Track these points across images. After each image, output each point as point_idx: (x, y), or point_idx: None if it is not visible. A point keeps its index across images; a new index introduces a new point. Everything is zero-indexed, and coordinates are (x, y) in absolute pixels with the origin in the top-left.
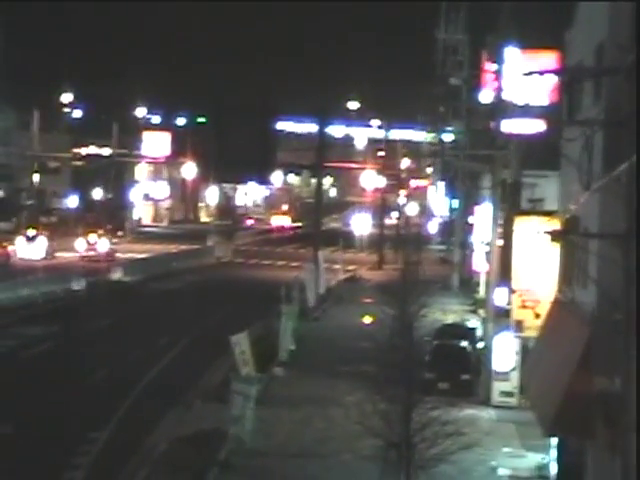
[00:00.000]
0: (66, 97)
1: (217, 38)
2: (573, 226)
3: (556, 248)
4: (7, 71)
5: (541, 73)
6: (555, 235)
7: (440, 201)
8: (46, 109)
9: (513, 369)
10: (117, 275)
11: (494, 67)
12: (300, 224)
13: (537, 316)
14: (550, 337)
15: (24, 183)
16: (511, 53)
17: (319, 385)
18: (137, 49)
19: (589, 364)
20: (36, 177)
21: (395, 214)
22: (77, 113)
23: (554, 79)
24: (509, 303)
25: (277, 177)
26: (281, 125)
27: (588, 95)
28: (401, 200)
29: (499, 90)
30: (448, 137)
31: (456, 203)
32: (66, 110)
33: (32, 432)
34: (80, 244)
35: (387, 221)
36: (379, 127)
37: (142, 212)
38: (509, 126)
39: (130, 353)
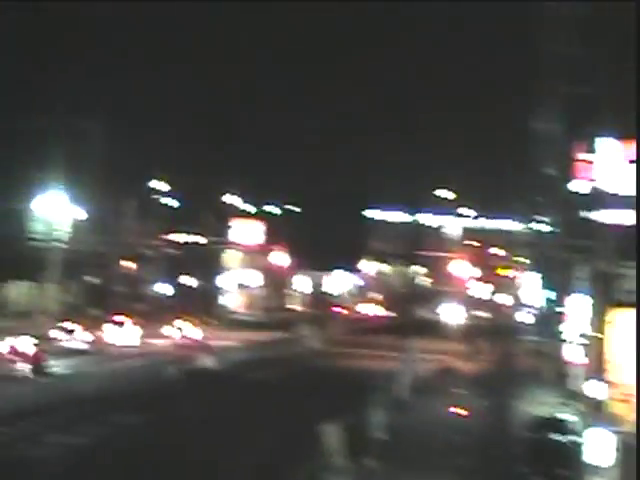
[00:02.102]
0: (160, 185)
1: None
2: None
3: None
4: (103, 159)
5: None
6: None
7: (534, 292)
8: (140, 197)
9: (612, 465)
10: (208, 363)
11: (589, 157)
12: (393, 313)
13: (635, 410)
14: None
15: (117, 270)
16: (607, 143)
17: (411, 478)
18: (228, 137)
19: None
20: (129, 264)
21: (489, 303)
22: (170, 201)
23: None
24: (606, 396)
25: (369, 265)
26: (373, 213)
27: None
28: (494, 291)
29: (595, 180)
30: (543, 227)
31: (550, 294)
32: (159, 198)
33: None
34: (171, 331)
35: (480, 312)
36: (473, 217)
37: (234, 299)
38: (605, 217)
39: (222, 445)
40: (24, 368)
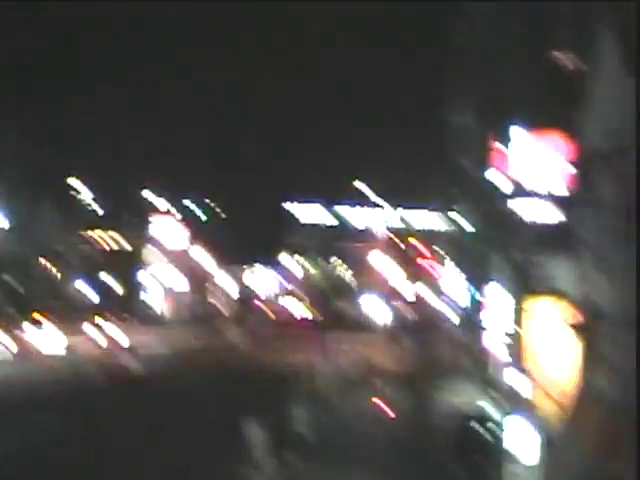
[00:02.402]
0: (79, 182)
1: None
2: (592, 313)
3: (572, 332)
4: (19, 158)
5: (552, 155)
6: (579, 328)
7: (453, 283)
8: (56, 193)
9: (530, 452)
10: (128, 363)
11: (502, 147)
12: (313, 308)
13: (552, 400)
14: (574, 428)
15: (34, 269)
16: (518, 133)
17: (333, 474)
18: (144, 130)
19: (616, 455)
20: (44, 262)
21: (407, 296)
22: (87, 197)
23: (565, 161)
24: (523, 386)
25: (288, 259)
26: (291, 206)
27: (600, 176)
28: (413, 282)
29: (508, 171)
30: (460, 218)
31: (469, 285)
32: (78, 196)
33: None
34: (89, 329)
35: (399, 303)
36: (392, 209)
37: (153, 298)
38: (520, 207)
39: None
40: None
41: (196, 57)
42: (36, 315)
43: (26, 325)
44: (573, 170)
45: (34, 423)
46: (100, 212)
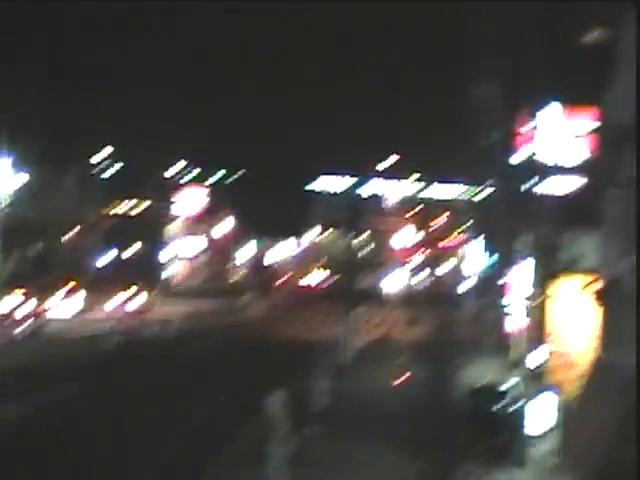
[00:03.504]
0: (103, 153)
1: (254, 93)
2: (613, 287)
3: (596, 308)
4: (47, 126)
5: (581, 131)
6: (596, 297)
7: (476, 260)
8: (84, 165)
9: (551, 431)
10: (150, 332)
11: (531, 124)
12: (333, 281)
13: (575, 376)
14: (590, 400)
15: (59, 240)
16: (549, 110)
17: (351, 446)
18: (174, 103)
19: (629, 428)
20: (72, 233)
21: (430, 271)
22: (115, 168)
23: (594, 138)
24: (546, 363)
25: (312, 234)
26: (317, 181)
27: (628, 154)
28: (436, 257)
29: (536, 148)
30: (486, 195)
31: (492, 262)
32: (102, 166)
33: None
34: (113, 301)
35: (423, 278)
36: (416, 182)
37: (175, 269)
38: (547, 184)
39: (165, 415)
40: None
41: (228, 26)
42: (67, 284)
43: (58, 294)
44: (600, 147)
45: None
46: (129, 182)
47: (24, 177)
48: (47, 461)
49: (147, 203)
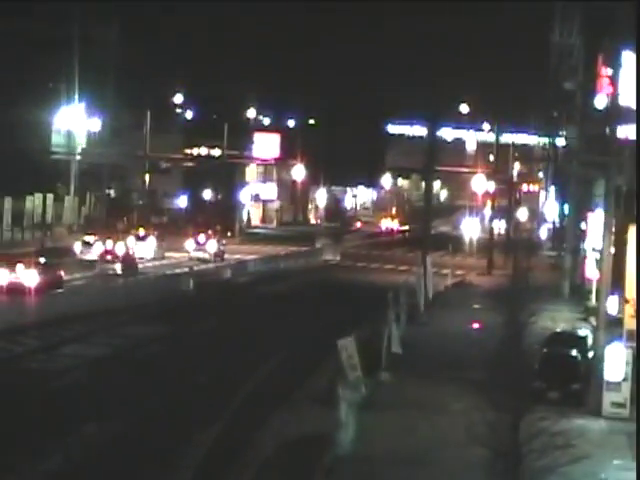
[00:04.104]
0: (178, 98)
1: (329, 41)
2: None
3: None
4: (120, 71)
5: None
6: None
7: (551, 207)
8: (159, 110)
9: (625, 379)
10: (226, 276)
11: (610, 71)
12: (409, 227)
13: None
14: None
15: (136, 183)
16: (628, 57)
17: (426, 391)
18: (249, 50)
19: None
20: (148, 177)
21: (505, 219)
22: (189, 114)
23: None
24: (621, 312)
25: (386, 180)
26: (392, 128)
27: None
28: (514, 205)
29: (615, 95)
30: (561, 142)
31: (568, 209)
32: (178, 111)
33: (140, 431)
34: (190, 244)
35: (498, 226)
36: (490, 131)
37: (251, 213)
38: (625, 132)
39: (238, 355)
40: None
41: None
42: (141, 229)
43: (131, 239)
44: None
45: None
46: (201, 128)
47: (98, 122)
48: None
49: (222, 147)
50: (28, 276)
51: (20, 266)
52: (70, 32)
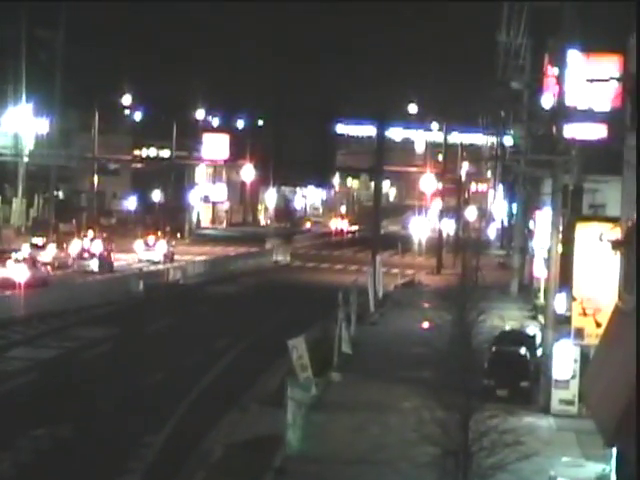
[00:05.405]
0: (126, 99)
1: (276, 39)
2: (635, 234)
3: (618, 255)
4: (67, 72)
5: (604, 79)
6: (616, 243)
7: (500, 206)
8: (106, 110)
9: (573, 377)
10: (175, 277)
11: (556, 71)
12: (358, 227)
13: (598, 324)
14: (611, 345)
15: (84, 185)
16: (574, 57)
17: (376, 390)
18: (197, 50)
19: None
20: (96, 179)
21: (454, 218)
22: (137, 115)
23: (617, 84)
24: (569, 310)
25: (336, 180)
26: (340, 128)
27: None
28: (462, 205)
29: (561, 94)
30: (509, 141)
31: (516, 208)
32: (126, 112)
33: (89, 434)
34: (139, 246)
35: (446, 225)
36: (439, 130)
37: (201, 215)
38: (571, 131)
39: (187, 356)
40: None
41: None
42: (89, 231)
43: (78, 241)
44: (624, 94)
45: None
46: (149, 129)
47: (46, 123)
48: None
49: (171, 148)
50: None
51: None
52: (17, 33)
